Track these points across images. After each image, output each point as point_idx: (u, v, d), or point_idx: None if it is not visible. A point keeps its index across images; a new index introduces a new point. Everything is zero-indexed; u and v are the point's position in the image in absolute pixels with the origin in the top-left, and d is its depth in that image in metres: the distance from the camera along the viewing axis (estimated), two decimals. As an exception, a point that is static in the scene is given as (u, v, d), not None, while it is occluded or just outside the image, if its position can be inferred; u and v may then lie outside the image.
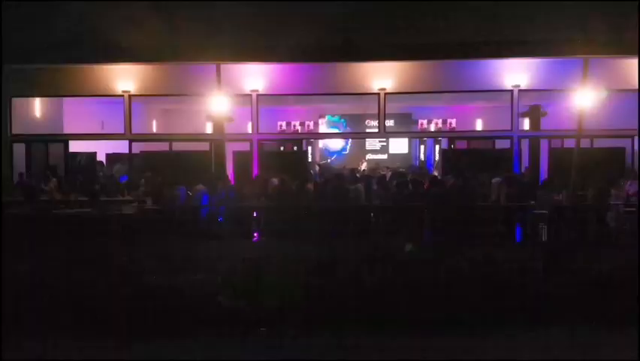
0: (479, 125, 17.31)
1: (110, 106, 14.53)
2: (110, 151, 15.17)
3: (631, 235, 10.93)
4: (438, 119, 18.66)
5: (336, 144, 22.41)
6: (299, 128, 18.77)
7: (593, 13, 10.85)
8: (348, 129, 20.54)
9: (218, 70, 12.73)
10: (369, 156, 22.06)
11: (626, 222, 11.21)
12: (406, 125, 19.81)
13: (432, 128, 18.63)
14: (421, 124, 18.95)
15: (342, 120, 20.79)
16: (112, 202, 11.27)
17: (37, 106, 14.91)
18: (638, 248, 8.70)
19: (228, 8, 10.71)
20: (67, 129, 15.19)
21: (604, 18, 10.78)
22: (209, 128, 16.44)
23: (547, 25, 11.27)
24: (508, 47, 11.98)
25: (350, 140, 22.43)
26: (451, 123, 18.54)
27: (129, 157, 14.01)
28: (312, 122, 19.34)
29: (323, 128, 20.18)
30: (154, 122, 17.56)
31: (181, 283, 8.52)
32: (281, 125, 18.65)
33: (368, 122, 19.93)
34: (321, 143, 21.94)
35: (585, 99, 11.29)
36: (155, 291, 8.32)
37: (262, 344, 7.37)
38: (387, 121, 14.88)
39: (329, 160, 22.02)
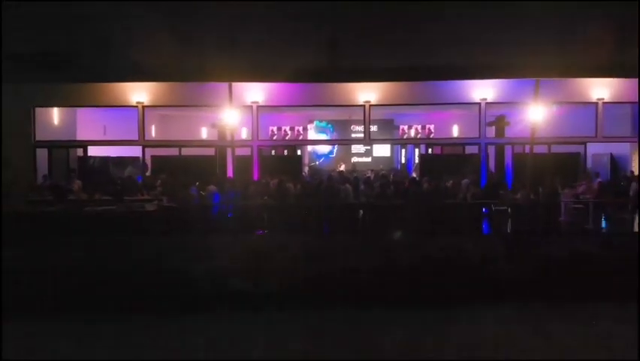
0: (455, 130, 19.16)
1: (112, 113, 16.10)
2: (113, 155, 16.79)
3: (578, 226, 13.01)
4: (418, 124, 20.55)
5: (324, 147, 24.06)
6: (289, 132, 20.51)
7: (546, 44, 12.82)
8: (335, 134, 22.21)
9: (230, 88, 14.46)
10: (354, 159, 23.75)
11: (575, 216, 13.24)
12: (389, 130, 21.52)
13: (412, 133, 20.42)
14: (402, 129, 20.80)
15: (330, 125, 22.47)
16: (134, 201, 12.93)
17: (56, 114, 16.44)
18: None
19: (240, 34, 12.45)
20: (80, 135, 16.74)
21: (555, 45, 12.75)
22: (204, 133, 18.05)
23: (507, 51, 13.22)
24: (475, 71, 13.93)
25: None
26: (429, 128, 20.44)
27: (143, 161, 15.62)
28: (301, 127, 21.06)
29: (311, 132, 21.79)
30: (152, 127, 19.12)
31: (198, 269, 10.26)
32: (272, 130, 20.32)
33: (353, 128, 21.62)
34: (310, 147, 23.60)
35: (537, 112, 13.28)
36: (178, 275, 10.08)
37: (264, 316, 9.11)
38: (371, 126, 16.62)
39: (317, 162, 23.69)
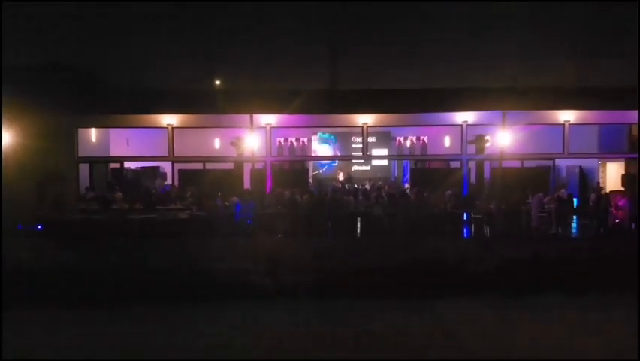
0: (447, 141, 21.49)
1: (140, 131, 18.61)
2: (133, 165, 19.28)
3: (544, 231, 15.40)
4: (412, 136, 22.97)
5: (326, 153, 26.35)
6: (295, 143, 22.86)
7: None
8: (337, 144, 24.53)
9: (251, 118, 16.93)
10: (354, 168, 26.11)
11: (540, 223, 15.64)
12: (386, 141, 23.82)
13: (407, 143, 22.80)
14: (399, 140, 23.16)
15: (332, 137, 24.79)
16: (169, 210, 15.39)
17: (93, 133, 18.88)
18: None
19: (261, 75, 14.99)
20: (113, 151, 19.19)
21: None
22: (217, 144, 20.32)
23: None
24: (455, 105, 16.47)
25: (338, 152, 26.52)
26: (423, 140, 22.82)
27: (172, 174, 18.10)
28: (306, 138, 23.47)
29: (315, 143, 24.19)
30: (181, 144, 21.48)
31: (225, 265, 12.71)
32: (280, 141, 22.71)
33: (354, 139, 24.00)
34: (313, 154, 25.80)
35: (506, 136, 15.71)
36: (209, 270, 12.53)
37: (278, 303, 11.54)
38: (369, 138, 18.89)
39: (320, 171, 26.02)
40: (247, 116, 17.10)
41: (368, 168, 26.19)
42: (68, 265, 13.03)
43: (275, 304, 11.53)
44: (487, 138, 17.42)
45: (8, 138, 15.55)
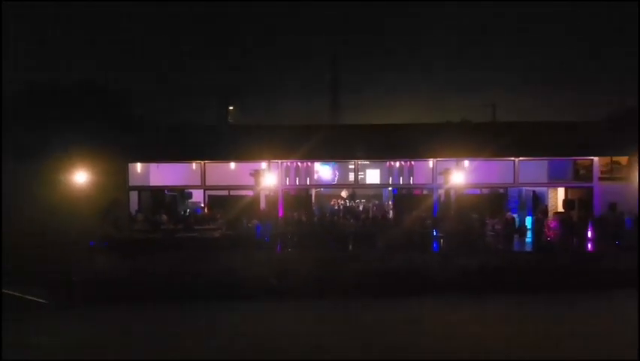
0: (430, 163, 25.90)
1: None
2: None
3: (493, 248, 19.96)
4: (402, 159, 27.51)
5: (327, 174, 30.90)
6: (299, 165, 27.35)
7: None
8: (337, 166, 29.00)
9: (269, 163, 21.68)
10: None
11: (491, 240, 20.22)
12: (378, 164, 28.27)
13: (397, 164, 27.31)
14: (389, 163, 27.73)
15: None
16: (205, 230, 20.06)
17: (138, 165, 23.54)
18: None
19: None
20: (153, 180, 23.82)
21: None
22: (239, 175, 24.86)
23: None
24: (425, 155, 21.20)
25: (337, 173, 31.06)
26: (411, 163, 27.34)
27: (203, 199, 22.77)
28: (309, 162, 28.00)
29: (317, 165, 28.68)
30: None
31: (250, 272, 17.37)
32: (286, 164, 27.19)
33: (350, 165, 28.60)
34: (316, 176, 30.37)
35: (467, 169, 20.33)
36: (238, 276, 17.18)
37: (287, 302, 16.20)
38: (363, 161, 23.40)
39: (322, 189, 30.59)
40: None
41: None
42: (134, 272, 17.77)
43: (283, 299, 16.28)
44: (452, 170, 21.96)
45: (82, 176, 20.24)
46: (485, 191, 23.06)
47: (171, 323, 14.81)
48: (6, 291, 17.56)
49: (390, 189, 28.54)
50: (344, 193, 28.04)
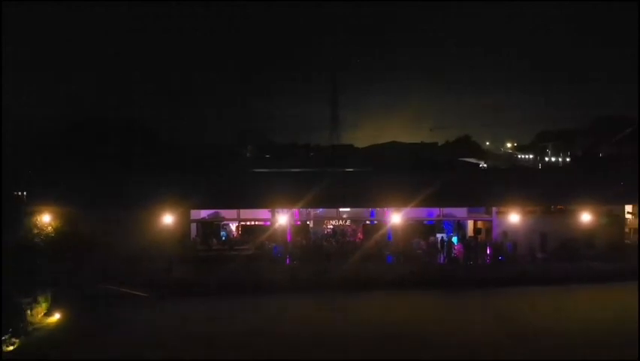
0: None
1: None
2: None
3: (421, 260, 31.79)
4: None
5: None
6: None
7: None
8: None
9: (273, 211, 33.70)
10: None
11: (420, 255, 32.04)
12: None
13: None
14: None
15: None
16: (241, 249, 32.09)
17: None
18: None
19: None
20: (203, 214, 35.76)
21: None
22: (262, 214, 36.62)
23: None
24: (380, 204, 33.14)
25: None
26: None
27: (237, 228, 34.80)
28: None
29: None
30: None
31: (269, 277, 29.43)
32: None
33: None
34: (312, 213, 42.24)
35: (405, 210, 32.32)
36: (264, 278, 29.24)
37: (297, 295, 28.19)
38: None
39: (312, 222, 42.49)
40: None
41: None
42: (199, 276, 29.77)
43: (291, 292, 28.22)
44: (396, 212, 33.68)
45: (164, 217, 32.25)
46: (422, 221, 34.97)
47: (224, 307, 26.66)
48: (122, 289, 29.44)
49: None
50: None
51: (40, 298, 25.33)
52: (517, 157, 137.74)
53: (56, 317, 25.23)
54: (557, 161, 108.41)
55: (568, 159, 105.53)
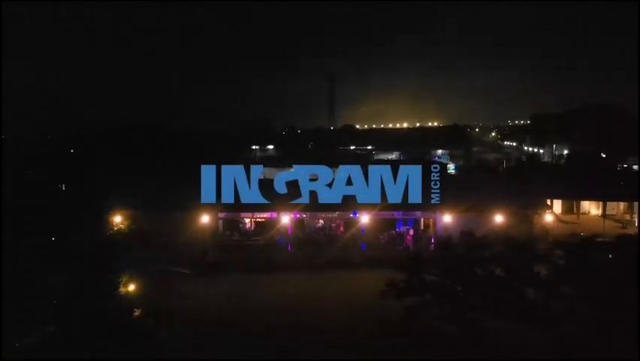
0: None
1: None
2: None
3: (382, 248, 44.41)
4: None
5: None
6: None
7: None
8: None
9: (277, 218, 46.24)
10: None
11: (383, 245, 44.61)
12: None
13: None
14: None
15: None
16: (257, 239, 44.89)
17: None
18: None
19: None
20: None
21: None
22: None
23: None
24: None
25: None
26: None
27: (251, 222, 47.50)
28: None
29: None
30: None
31: (277, 259, 42.31)
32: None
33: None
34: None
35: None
36: (274, 259, 42.11)
37: (296, 273, 41.02)
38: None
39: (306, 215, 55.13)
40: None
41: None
42: (228, 258, 42.75)
43: (292, 271, 41.07)
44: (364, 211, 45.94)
45: (202, 217, 44.92)
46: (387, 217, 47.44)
47: (245, 280, 39.33)
48: (173, 268, 42.13)
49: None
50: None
51: (123, 277, 38.14)
52: (501, 144, 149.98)
53: (131, 287, 38.06)
54: (535, 151, 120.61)
55: (542, 150, 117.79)
